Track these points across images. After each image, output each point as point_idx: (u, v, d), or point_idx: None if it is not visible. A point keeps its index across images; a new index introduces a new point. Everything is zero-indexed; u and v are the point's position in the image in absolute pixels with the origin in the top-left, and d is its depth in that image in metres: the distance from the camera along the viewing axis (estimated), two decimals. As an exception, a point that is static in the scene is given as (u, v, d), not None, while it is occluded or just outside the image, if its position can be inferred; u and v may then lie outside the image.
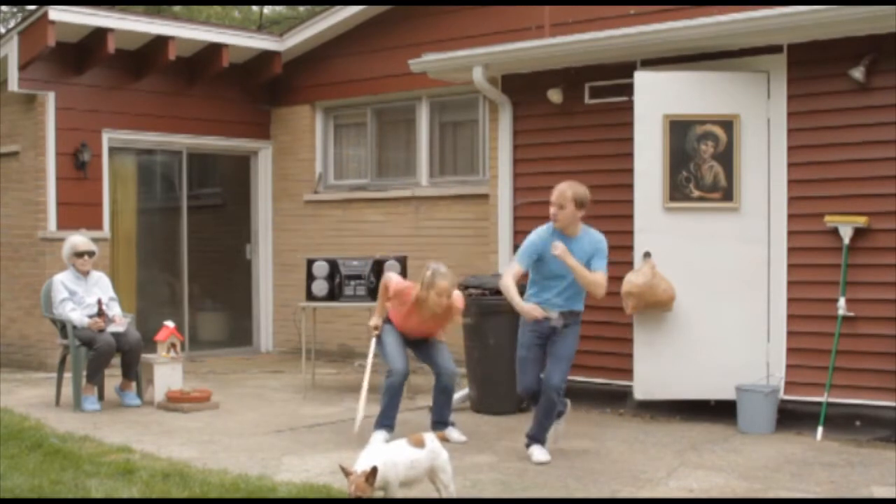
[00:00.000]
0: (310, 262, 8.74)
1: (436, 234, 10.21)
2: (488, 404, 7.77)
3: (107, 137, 10.52)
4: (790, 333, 7.09)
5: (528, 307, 6.14)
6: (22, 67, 9.82)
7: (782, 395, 7.06)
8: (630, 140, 7.42)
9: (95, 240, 8.74)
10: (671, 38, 7.32)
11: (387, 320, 6.79)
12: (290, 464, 6.04)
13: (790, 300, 7.10)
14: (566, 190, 6.17)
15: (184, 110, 11.11)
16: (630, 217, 7.41)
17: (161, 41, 10.37)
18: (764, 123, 7.19)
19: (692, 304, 7.24)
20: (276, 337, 11.86)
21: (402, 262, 8.51)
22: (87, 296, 8.09)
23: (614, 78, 7.82)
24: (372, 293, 8.36)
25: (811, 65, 7.03)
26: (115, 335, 7.96)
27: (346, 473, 4.57)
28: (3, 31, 16.41)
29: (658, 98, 7.29)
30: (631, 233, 7.39)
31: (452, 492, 4.95)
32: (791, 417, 6.99)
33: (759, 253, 7.19)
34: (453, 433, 6.62)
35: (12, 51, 9.81)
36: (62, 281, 8.11)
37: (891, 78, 6.72)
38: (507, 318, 7.41)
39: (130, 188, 11.11)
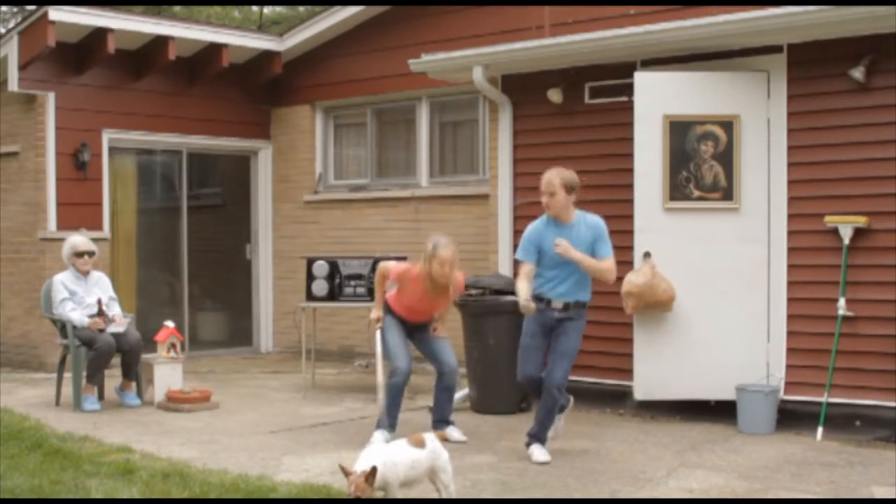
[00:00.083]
0: (310, 262, 8.74)
1: (436, 234, 10.20)
2: (488, 404, 7.77)
3: (107, 137, 10.51)
4: (790, 333, 7.09)
5: (522, 302, 6.14)
6: (22, 67, 9.82)
7: (782, 395, 7.06)
8: (630, 140, 7.42)
9: (95, 240, 8.73)
10: (671, 38, 7.32)
11: (387, 310, 6.78)
12: (289, 464, 6.03)
13: (790, 300, 7.10)
14: (553, 177, 6.18)
15: (184, 110, 11.10)
16: (630, 217, 7.41)
17: (161, 41, 10.37)
18: (764, 123, 7.18)
19: (692, 304, 7.23)
20: (276, 337, 11.85)
21: (402, 262, 8.48)
22: (87, 296, 8.09)
23: (614, 78, 7.82)
24: (372, 293, 8.35)
25: (811, 65, 7.02)
26: (115, 335, 7.96)
27: (346, 473, 4.57)
28: (3, 31, 16.39)
29: (658, 98, 7.29)
30: (631, 233, 7.39)
31: (452, 492, 4.95)
32: (791, 417, 6.99)
33: (759, 253, 7.19)
34: (453, 433, 6.62)
35: (12, 51, 9.80)
36: (62, 281, 8.11)
37: (891, 78, 6.72)
38: (507, 318, 7.43)
39: (130, 188, 11.11)
